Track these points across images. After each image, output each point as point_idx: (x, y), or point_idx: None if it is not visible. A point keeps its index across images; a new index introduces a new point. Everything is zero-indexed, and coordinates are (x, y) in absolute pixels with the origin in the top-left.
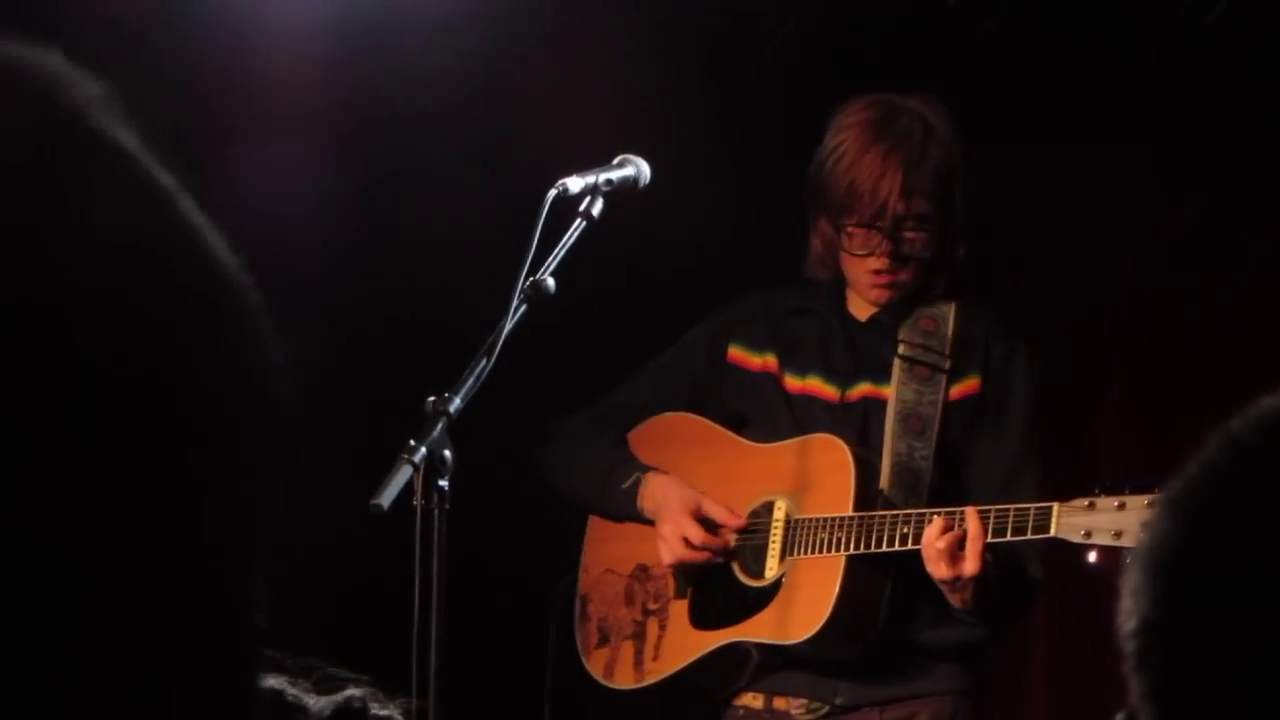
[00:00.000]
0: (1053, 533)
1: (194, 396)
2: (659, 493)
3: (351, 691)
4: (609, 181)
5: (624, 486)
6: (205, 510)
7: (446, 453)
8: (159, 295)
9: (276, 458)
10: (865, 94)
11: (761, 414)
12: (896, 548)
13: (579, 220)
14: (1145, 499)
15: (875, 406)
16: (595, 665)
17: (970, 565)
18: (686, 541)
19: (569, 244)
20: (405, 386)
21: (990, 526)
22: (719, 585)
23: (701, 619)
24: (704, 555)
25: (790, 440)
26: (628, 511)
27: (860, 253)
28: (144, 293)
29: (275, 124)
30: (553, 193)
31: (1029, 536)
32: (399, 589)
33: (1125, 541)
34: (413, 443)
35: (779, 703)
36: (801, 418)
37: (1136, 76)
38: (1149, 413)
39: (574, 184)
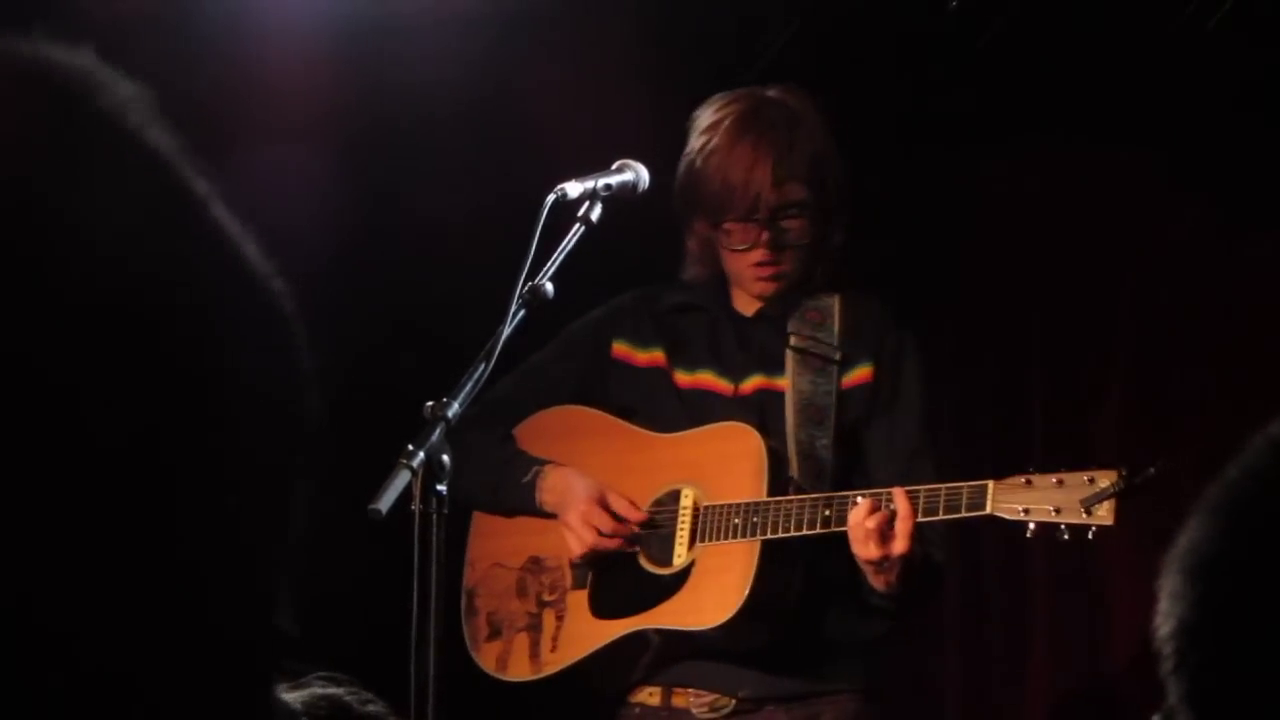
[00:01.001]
0: (989, 510)
1: (229, 402)
2: (560, 484)
3: (338, 692)
4: (608, 186)
5: (524, 481)
6: (236, 515)
7: (445, 457)
8: (192, 300)
9: (306, 464)
10: (731, 96)
11: (651, 408)
12: (819, 530)
13: (578, 225)
14: (1084, 476)
15: (771, 398)
16: (486, 659)
17: (900, 544)
18: (596, 530)
19: (568, 249)
20: (403, 391)
21: (920, 506)
22: (623, 574)
23: (604, 609)
24: (615, 543)
25: (696, 429)
26: (526, 506)
27: (740, 248)
28: (177, 298)
29: (273, 128)
30: (552, 198)
31: (963, 514)
32: (397, 593)
33: (1066, 518)
34: (411, 447)
35: (678, 699)
36: (694, 411)
37: (1139, 81)
38: (1152, 416)
39: (573, 189)
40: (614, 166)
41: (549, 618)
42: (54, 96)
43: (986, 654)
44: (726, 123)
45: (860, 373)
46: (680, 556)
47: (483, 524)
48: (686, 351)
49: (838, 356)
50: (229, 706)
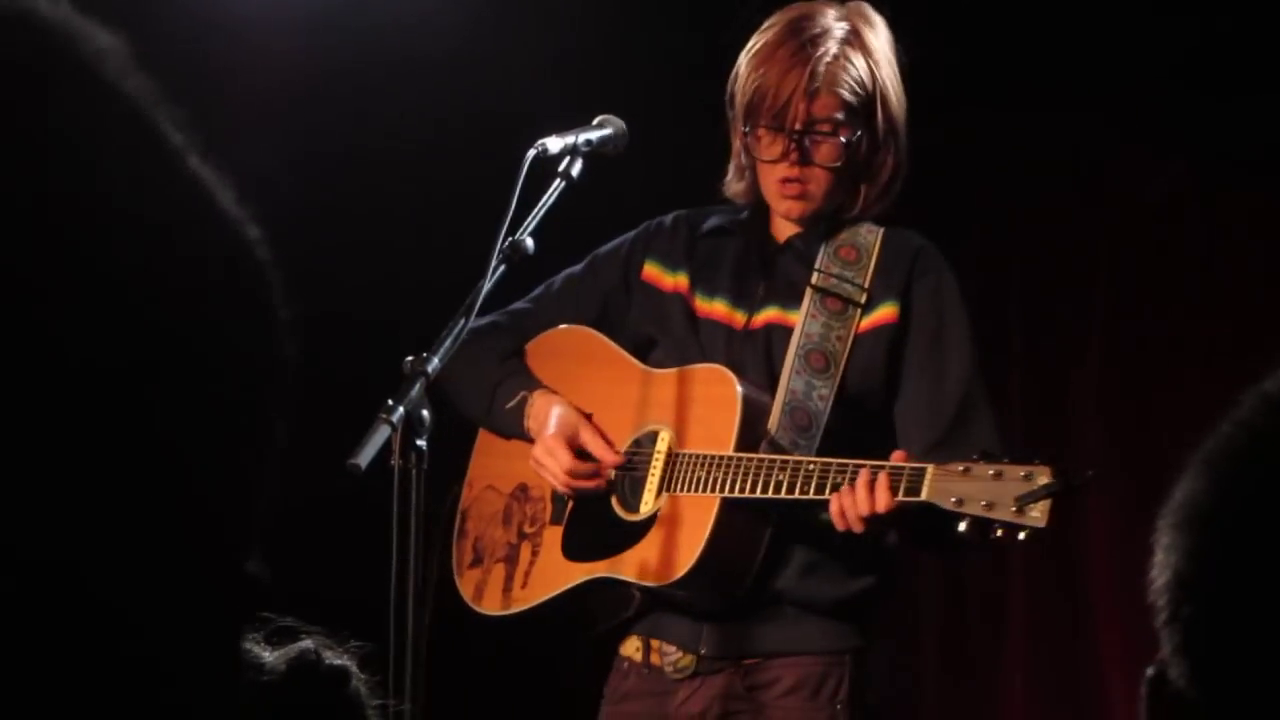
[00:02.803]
0: (924, 496)
1: (203, 352)
2: (542, 413)
3: (305, 644)
4: (588, 142)
5: (509, 405)
6: (208, 461)
7: (424, 413)
8: (166, 249)
9: (284, 414)
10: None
11: (668, 336)
12: (782, 495)
13: (558, 181)
14: (1022, 470)
15: (780, 334)
16: (465, 586)
17: (882, 500)
18: (560, 469)
19: (548, 204)
20: (383, 346)
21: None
22: (595, 515)
23: (573, 549)
24: (591, 482)
25: (683, 368)
26: (514, 430)
27: (767, 158)
28: (151, 245)
29: (251, 84)
30: (532, 153)
31: (901, 499)
32: (377, 548)
33: (996, 514)
34: (390, 402)
35: (654, 656)
36: (707, 342)
37: (1116, 44)
38: (1128, 384)
39: (553, 144)
40: (595, 122)
41: (525, 551)
42: (32, 44)
43: (965, 643)
44: (777, 28)
45: (882, 313)
46: (647, 504)
47: (484, 441)
48: (710, 278)
49: (862, 299)
50: (197, 648)
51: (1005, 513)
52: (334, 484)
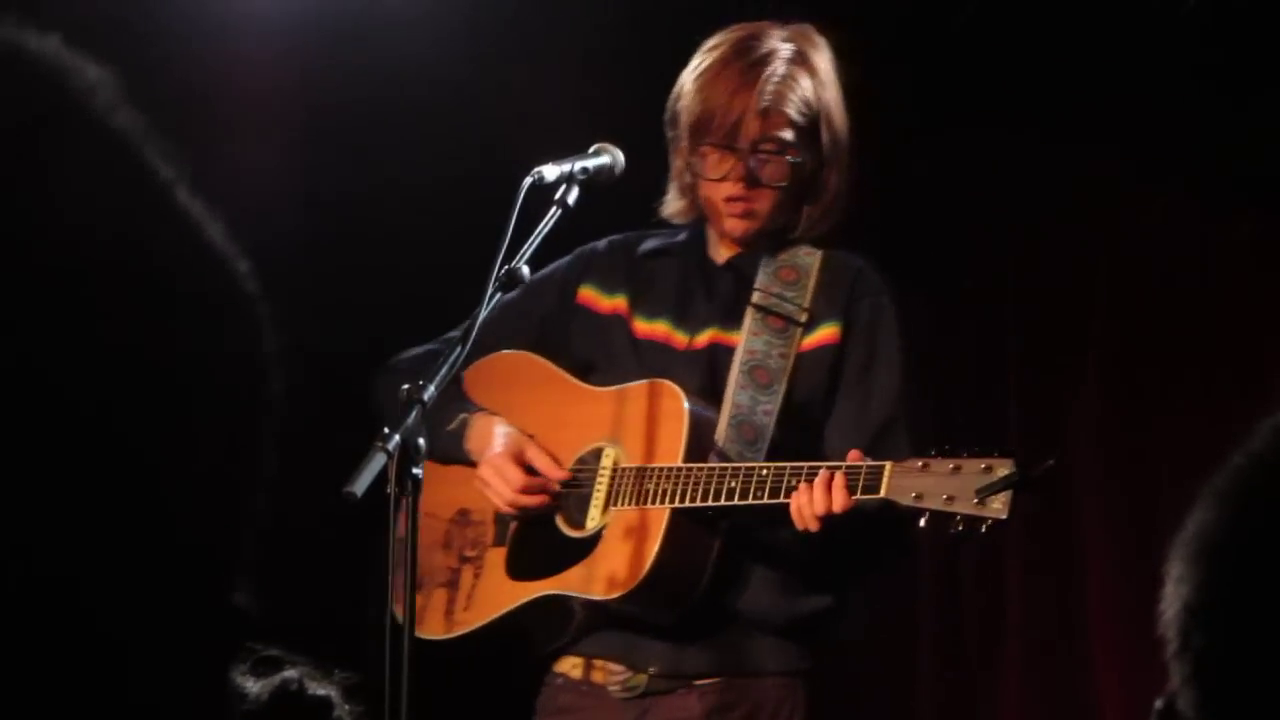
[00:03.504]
0: (882, 493)
1: (188, 384)
2: (485, 434)
3: (288, 674)
4: (585, 170)
5: (450, 428)
6: (193, 495)
7: (420, 440)
8: (154, 283)
9: (270, 445)
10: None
11: (608, 359)
12: (734, 501)
13: (554, 209)
14: (981, 463)
15: (723, 354)
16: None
17: (839, 500)
18: (508, 486)
19: (544, 232)
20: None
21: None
22: (539, 534)
23: (518, 569)
24: (536, 500)
25: (625, 385)
26: (454, 454)
27: (714, 176)
28: (139, 280)
29: (247, 111)
30: (528, 181)
31: (859, 497)
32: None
33: (958, 507)
34: (387, 430)
35: (597, 675)
36: (648, 363)
37: (1111, 68)
38: (1125, 407)
39: (549, 172)
40: (591, 150)
41: (467, 574)
42: (24, 79)
43: (959, 639)
44: (725, 44)
45: (824, 333)
46: (593, 520)
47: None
48: (649, 300)
49: (803, 318)
50: (184, 680)
51: (966, 505)
52: (326, 511)
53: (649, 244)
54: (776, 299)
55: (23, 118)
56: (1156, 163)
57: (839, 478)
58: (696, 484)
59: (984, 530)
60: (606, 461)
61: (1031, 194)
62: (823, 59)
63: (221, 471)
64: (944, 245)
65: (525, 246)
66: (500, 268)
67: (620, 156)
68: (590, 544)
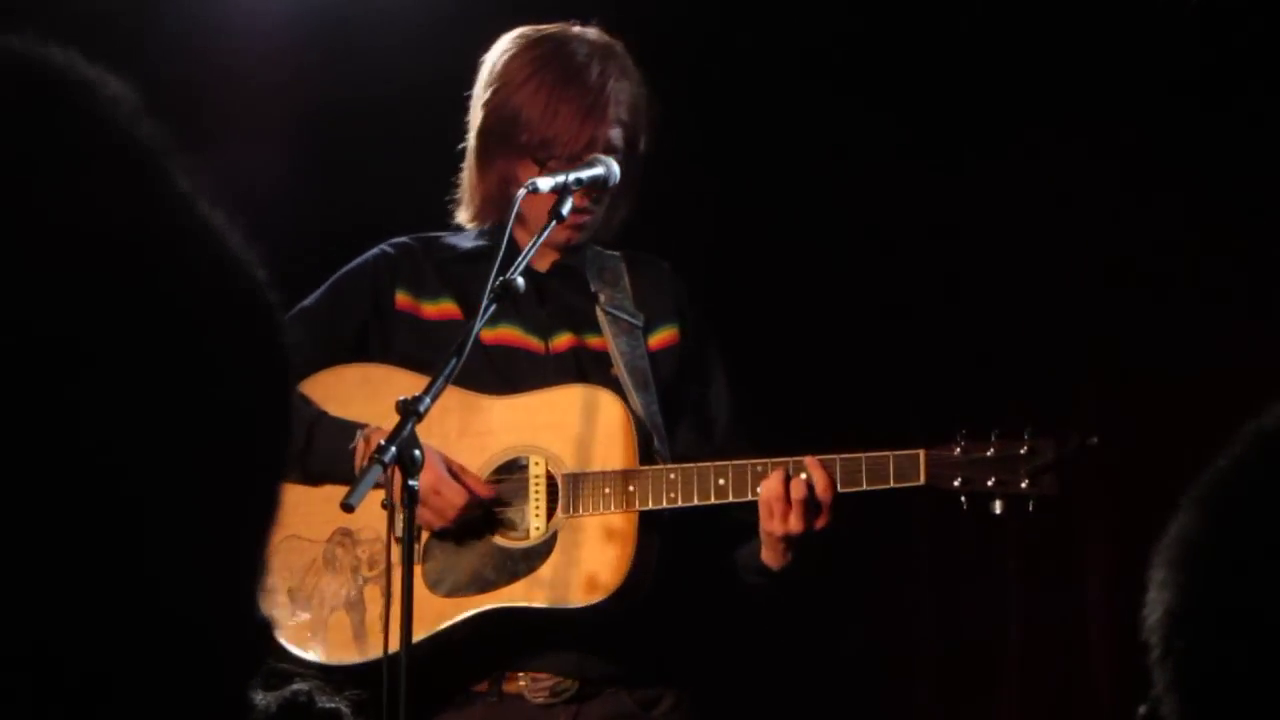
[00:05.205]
0: (922, 480)
1: (210, 394)
2: None
3: (297, 686)
4: (579, 181)
5: (348, 447)
6: (211, 510)
7: (416, 452)
8: (175, 295)
9: (288, 456)
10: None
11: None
12: (713, 500)
13: (550, 220)
14: (1021, 445)
15: (588, 358)
16: (293, 638)
17: (822, 519)
18: (453, 502)
19: (539, 243)
20: None
21: (838, 476)
22: (465, 548)
23: (445, 585)
24: (465, 514)
25: (537, 392)
26: (340, 471)
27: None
28: (161, 292)
29: (237, 112)
30: (522, 192)
31: (891, 485)
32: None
33: (1007, 489)
34: (382, 442)
35: (509, 685)
36: (503, 368)
37: (1108, 75)
38: (1124, 421)
39: (544, 183)
40: (585, 160)
41: (373, 594)
42: (44, 93)
43: (958, 634)
44: (543, 49)
45: (665, 335)
46: (538, 529)
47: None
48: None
49: (640, 321)
50: (203, 703)
51: (1014, 487)
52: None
53: (451, 248)
54: (614, 301)
55: (46, 130)
56: (1155, 166)
57: (820, 475)
58: (672, 484)
59: (1030, 509)
60: (536, 470)
61: (1031, 194)
62: (632, 61)
63: (241, 488)
64: (946, 245)
65: (520, 258)
66: (494, 279)
67: (615, 167)
68: (539, 553)
